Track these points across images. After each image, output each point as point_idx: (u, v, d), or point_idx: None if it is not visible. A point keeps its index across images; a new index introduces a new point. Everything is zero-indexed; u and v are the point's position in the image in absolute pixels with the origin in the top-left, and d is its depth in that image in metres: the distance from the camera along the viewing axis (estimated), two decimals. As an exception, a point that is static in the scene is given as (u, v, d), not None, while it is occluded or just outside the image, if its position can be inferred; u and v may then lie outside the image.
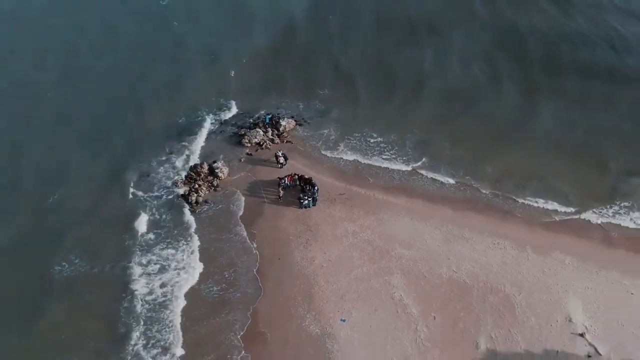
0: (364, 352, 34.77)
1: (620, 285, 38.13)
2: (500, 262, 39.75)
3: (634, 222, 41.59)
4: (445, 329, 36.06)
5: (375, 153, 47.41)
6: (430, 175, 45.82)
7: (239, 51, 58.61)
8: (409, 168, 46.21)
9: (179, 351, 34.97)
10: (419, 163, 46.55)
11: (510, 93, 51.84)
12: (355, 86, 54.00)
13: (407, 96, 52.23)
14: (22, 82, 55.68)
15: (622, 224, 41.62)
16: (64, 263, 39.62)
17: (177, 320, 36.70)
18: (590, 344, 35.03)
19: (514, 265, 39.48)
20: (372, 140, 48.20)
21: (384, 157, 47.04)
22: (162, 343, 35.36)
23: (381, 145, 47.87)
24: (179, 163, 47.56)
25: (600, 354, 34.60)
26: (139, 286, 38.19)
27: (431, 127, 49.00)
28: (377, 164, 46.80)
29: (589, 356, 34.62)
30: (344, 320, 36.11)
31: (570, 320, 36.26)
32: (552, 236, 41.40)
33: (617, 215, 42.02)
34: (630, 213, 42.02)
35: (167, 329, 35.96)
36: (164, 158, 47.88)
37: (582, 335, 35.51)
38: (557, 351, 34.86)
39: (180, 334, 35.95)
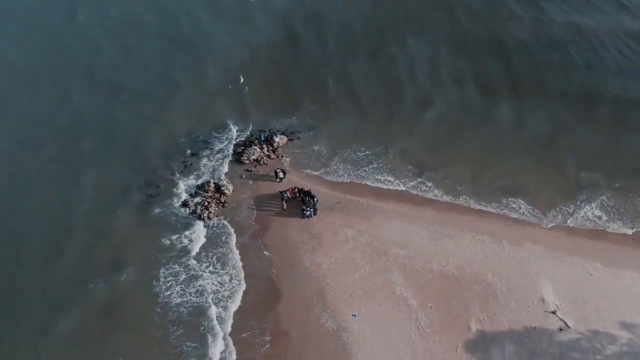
0: (375, 341, 40.25)
1: (582, 268, 45.11)
2: (481, 255, 46.03)
3: (588, 218, 48.74)
4: (441, 316, 41.97)
5: (364, 164, 52.86)
6: (414, 181, 51.51)
7: (232, 71, 63.19)
8: (395, 178, 51.77)
9: (211, 351, 39.41)
10: (403, 172, 52.27)
11: (490, 106, 58.56)
12: (342, 102, 59.59)
13: (391, 110, 58.27)
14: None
15: (582, 218, 48.57)
16: (99, 279, 43.62)
17: (207, 322, 41.12)
18: (561, 319, 41.68)
19: (494, 257, 45.83)
20: (360, 154, 53.67)
21: (372, 167, 52.50)
22: (196, 345, 39.75)
23: (369, 157, 53.41)
24: (186, 182, 51.59)
25: (569, 327, 41.31)
26: (171, 294, 42.63)
27: (413, 138, 54.96)
28: (366, 174, 52.16)
29: (560, 329, 41.24)
30: (354, 316, 41.48)
31: (543, 301, 42.83)
32: (524, 230, 48.02)
33: (578, 210, 49.00)
34: (588, 209, 49.08)
35: (200, 332, 40.42)
36: (171, 178, 51.77)
37: (554, 312, 42.13)
38: (535, 327, 41.35)
39: (213, 336, 40.36)
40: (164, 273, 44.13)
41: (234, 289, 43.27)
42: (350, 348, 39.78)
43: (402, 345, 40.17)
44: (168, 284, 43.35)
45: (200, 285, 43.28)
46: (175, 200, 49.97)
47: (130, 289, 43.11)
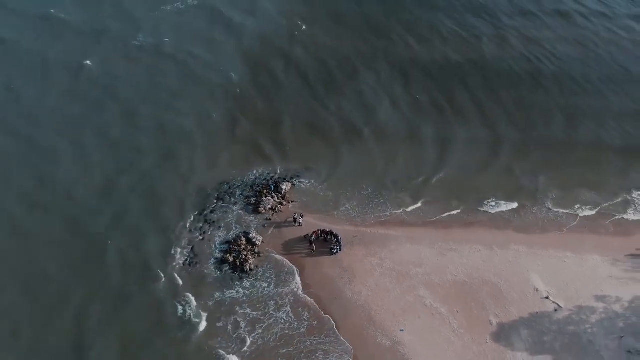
0: (425, 348, 48.96)
1: (557, 258, 57.24)
2: (480, 261, 56.50)
3: (553, 215, 61.44)
4: (467, 317, 51.69)
5: (367, 200, 61.32)
6: (413, 207, 60.99)
7: (218, 120, 69.16)
8: (397, 208, 60.88)
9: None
10: (402, 201, 61.49)
11: (472, 135, 70.13)
12: (332, 142, 67.59)
13: (378, 145, 67.46)
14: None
15: (546, 216, 61.16)
16: (166, 339, 48.37)
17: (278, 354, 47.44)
18: (554, 302, 53.18)
19: (490, 261, 56.50)
20: (364, 193, 62.02)
21: (376, 202, 61.21)
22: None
23: (371, 193, 61.97)
24: (216, 240, 56.62)
25: (561, 307, 52.91)
26: (239, 336, 48.69)
27: (403, 170, 64.51)
28: (372, 208, 60.67)
29: (555, 310, 52.70)
30: (402, 330, 49.90)
31: (537, 290, 54.13)
32: (505, 234, 59.32)
33: (543, 209, 61.55)
34: (551, 206, 62.02)
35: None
36: (201, 238, 56.49)
37: (547, 298, 53.55)
38: (537, 312, 52.47)
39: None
40: (230, 322, 49.62)
41: (296, 326, 49.55)
42: (408, 358, 48.17)
43: (445, 346, 49.32)
44: (235, 332, 48.92)
45: (265, 328, 49.15)
46: (212, 260, 54.80)
47: (199, 346, 48.02)
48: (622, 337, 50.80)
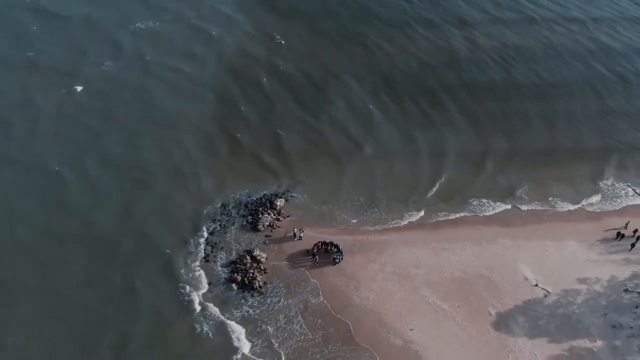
0: (434, 343, 52.16)
1: (539, 247, 62.05)
2: (472, 257, 60.51)
3: (532, 209, 66.52)
4: (468, 310, 55.34)
5: (360, 210, 64.31)
6: (402, 212, 64.51)
7: (202, 141, 70.48)
8: (387, 213, 64.27)
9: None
10: (392, 207, 64.89)
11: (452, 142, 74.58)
12: (317, 155, 70.21)
13: (367, 154, 71.10)
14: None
15: (526, 210, 66.19)
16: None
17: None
18: (543, 288, 57.78)
19: (481, 256, 60.59)
20: (356, 204, 64.94)
21: (370, 210, 64.29)
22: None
23: (363, 203, 65.01)
24: (219, 261, 57.96)
25: (550, 292, 57.60)
26: (273, 350, 50.48)
27: (390, 179, 67.99)
28: (364, 216, 63.76)
29: (545, 296, 57.28)
30: (412, 330, 53.02)
31: (526, 279, 58.62)
32: (490, 229, 63.70)
33: (522, 204, 66.55)
34: (529, 200, 67.10)
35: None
36: (204, 261, 57.47)
37: (536, 285, 58.10)
38: (529, 299, 56.90)
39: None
40: (255, 338, 51.16)
41: (312, 334, 51.62)
42: (421, 354, 51.24)
43: (453, 340, 52.78)
44: (254, 347, 50.53)
45: (293, 339, 51.08)
46: (221, 281, 56.04)
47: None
48: (606, 314, 55.85)
